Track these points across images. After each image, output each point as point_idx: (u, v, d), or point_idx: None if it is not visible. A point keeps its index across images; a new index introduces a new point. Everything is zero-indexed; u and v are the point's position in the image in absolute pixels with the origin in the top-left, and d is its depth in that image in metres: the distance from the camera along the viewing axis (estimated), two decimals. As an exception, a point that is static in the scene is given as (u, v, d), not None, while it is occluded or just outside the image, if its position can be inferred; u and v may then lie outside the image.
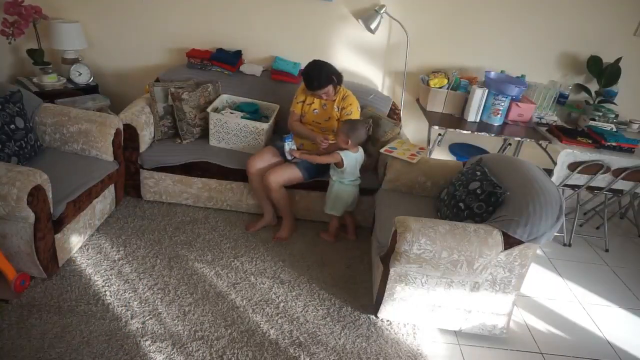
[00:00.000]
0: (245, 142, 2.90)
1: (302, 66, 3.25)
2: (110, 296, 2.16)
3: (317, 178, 2.79)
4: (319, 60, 2.70)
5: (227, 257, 2.55)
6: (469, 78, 3.25)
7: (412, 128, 3.59)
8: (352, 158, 2.60)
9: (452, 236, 1.94)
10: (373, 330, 2.20)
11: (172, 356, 1.91)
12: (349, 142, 2.56)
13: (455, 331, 2.27)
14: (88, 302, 2.11)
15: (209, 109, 2.87)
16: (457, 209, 2.22)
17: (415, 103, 3.50)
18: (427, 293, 2.13)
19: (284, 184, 2.67)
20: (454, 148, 3.43)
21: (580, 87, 3.36)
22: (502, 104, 3.04)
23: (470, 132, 3.01)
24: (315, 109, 2.79)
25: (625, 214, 3.76)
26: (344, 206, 2.70)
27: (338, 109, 2.76)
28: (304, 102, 2.83)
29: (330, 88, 2.67)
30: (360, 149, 2.68)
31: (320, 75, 2.63)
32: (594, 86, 3.33)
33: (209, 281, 2.35)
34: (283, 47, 3.35)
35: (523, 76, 3.31)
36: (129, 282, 2.26)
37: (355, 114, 2.76)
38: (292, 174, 2.68)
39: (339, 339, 2.12)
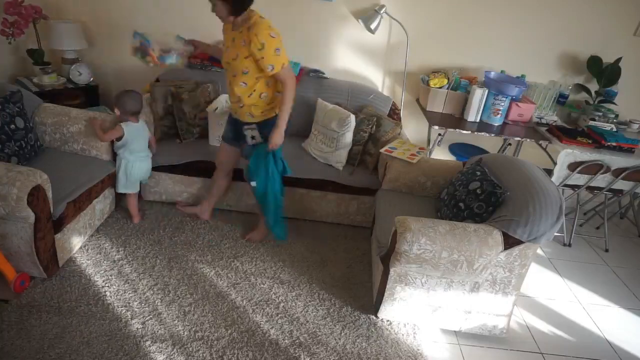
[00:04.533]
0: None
1: (302, 66, 3.28)
2: (110, 296, 2.16)
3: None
4: None
5: (227, 257, 2.55)
6: (469, 78, 3.26)
7: (412, 128, 3.59)
8: (134, 129, 2.48)
9: (452, 236, 1.94)
10: (373, 330, 2.20)
11: (172, 356, 1.91)
12: (118, 112, 2.43)
13: (455, 331, 2.27)
14: (88, 302, 2.11)
15: (208, 109, 2.87)
16: (457, 209, 2.22)
17: (415, 103, 3.50)
18: (427, 293, 2.13)
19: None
20: (454, 148, 3.43)
21: (580, 87, 3.36)
22: (502, 104, 3.04)
23: (470, 132, 3.00)
24: (227, 47, 2.21)
25: (625, 214, 3.76)
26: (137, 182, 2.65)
27: (245, 43, 2.09)
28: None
29: (220, 4, 2.03)
30: (142, 122, 2.53)
31: None
32: (594, 86, 3.33)
33: (209, 281, 2.35)
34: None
35: (523, 76, 3.31)
36: (129, 283, 2.26)
37: (270, 43, 2.05)
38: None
39: (339, 339, 2.12)
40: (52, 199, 2.08)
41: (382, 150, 2.73)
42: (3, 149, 2.20)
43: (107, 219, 2.71)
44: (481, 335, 2.26)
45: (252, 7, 2.16)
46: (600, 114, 3.23)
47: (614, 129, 3.10)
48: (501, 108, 3.06)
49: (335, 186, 2.82)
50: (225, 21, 2.15)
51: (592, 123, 3.14)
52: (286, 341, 2.06)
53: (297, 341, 2.07)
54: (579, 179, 2.91)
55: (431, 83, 3.16)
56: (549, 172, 2.88)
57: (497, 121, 3.11)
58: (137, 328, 2.01)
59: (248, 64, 2.13)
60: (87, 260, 2.37)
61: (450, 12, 3.22)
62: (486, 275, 2.05)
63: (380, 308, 2.20)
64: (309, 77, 3.21)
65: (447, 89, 3.17)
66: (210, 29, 3.30)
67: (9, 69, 3.28)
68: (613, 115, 3.25)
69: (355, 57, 3.38)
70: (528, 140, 3.02)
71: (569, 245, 3.21)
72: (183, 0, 3.22)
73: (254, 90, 2.22)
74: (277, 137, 2.25)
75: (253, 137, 2.35)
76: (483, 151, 3.38)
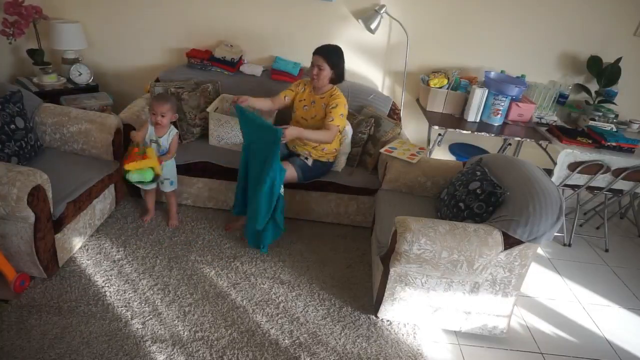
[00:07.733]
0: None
1: (303, 66, 3.28)
2: (111, 296, 2.16)
3: (315, 179, 2.78)
4: (341, 49, 2.63)
5: (227, 257, 2.55)
6: (469, 78, 3.26)
7: (412, 128, 3.59)
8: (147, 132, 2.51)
9: (452, 236, 1.94)
10: (373, 330, 2.20)
11: (172, 356, 1.91)
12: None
13: (455, 331, 2.27)
14: (88, 302, 2.11)
15: (209, 109, 2.87)
16: (457, 209, 2.22)
17: (415, 103, 3.50)
18: (427, 293, 2.13)
19: None
20: (454, 148, 3.43)
21: (580, 87, 3.36)
22: (502, 104, 3.04)
23: (470, 132, 3.01)
24: (305, 106, 2.72)
25: (625, 214, 3.76)
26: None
27: (324, 106, 2.64)
28: (296, 95, 2.78)
29: (327, 70, 2.56)
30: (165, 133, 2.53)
31: (333, 53, 2.58)
32: (594, 86, 3.33)
33: (209, 281, 2.35)
34: (283, 47, 3.35)
35: (523, 76, 3.31)
36: (129, 283, 2.26)
37: (340, 109, 2.59)
38: (286, 171, 2.63)
39: (339, 339, 2.12)
40: (52, 199, 2.07)
41: (382, 151, 2.73)
42: (3, 149, 2.20)
43: (107, 219, 2.71)
44: (481, 335, 2.26)
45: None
46: (600, 114, 3.23)
47: (614, 129, 3.10)
48: (501, 108, 3.06)
49: (335, 186, 2.82)
50: (321, 86, 2.65)
51: (592, 123, 3.14)
52: (286, 341, 2.06)
53: (297, 341, 2.07)
54: (579, 179, 2.91)
55: (431, 83, 3.16)
56: (549, 172, 2.88)
57: (497, 121, 3.11)
58: (137, 328, 2.01)
59: (321, 123, 2.63)
60: (87, 260, 2.37)
61: (450, 12, 3.22)
62: (486, 276, 2.05)
63: (380, 308, 2.20)
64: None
65: (447, 89, 3.17)
66: (208, 28, 3.32)
67: (9, 69, 3.28)
68: (613, 115, 3.25)
69: (355, 57, 3.38)
70: (528, 140, 3.02)
71: (569, 245, 3.21)
72: (183, 0, 3.22)
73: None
74: (291, 131, 2.42)
75: (306, 158, 2.74)
76: (483, 151, 3.38)
